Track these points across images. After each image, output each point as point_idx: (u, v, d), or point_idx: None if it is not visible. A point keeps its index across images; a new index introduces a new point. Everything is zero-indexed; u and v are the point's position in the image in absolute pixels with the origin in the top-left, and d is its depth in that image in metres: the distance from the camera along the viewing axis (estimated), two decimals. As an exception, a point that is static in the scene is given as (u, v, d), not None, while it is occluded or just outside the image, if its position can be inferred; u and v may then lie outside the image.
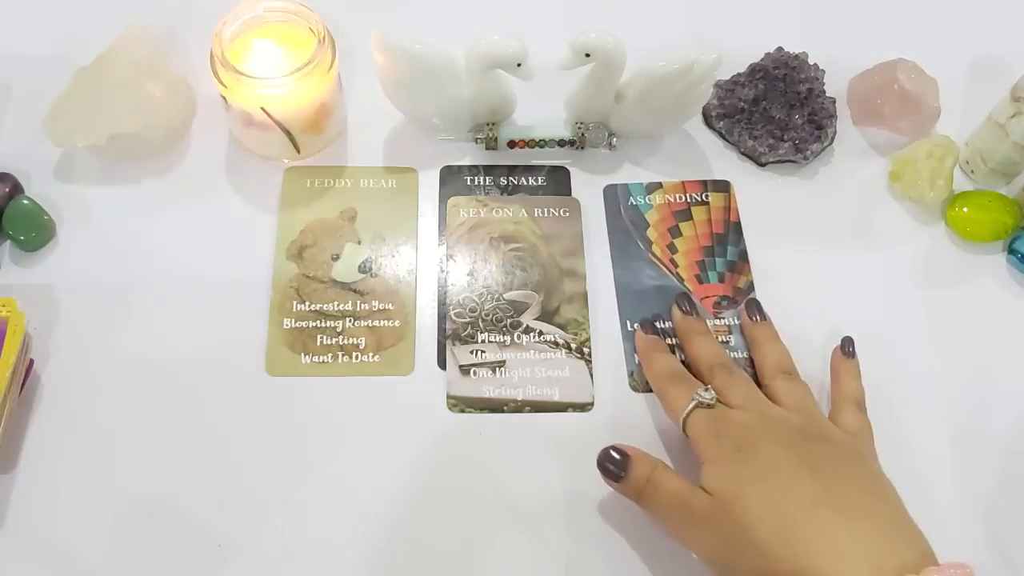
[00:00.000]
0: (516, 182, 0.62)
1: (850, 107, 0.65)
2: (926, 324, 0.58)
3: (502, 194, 0.61)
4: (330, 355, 0.55)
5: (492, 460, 0.53)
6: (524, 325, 0.57)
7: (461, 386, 0.54)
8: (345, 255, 0.59)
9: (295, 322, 0.56)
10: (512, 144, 0.62)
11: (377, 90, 0.59)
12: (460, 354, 0.55)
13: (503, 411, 0.54)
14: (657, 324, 0.56)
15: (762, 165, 0.63)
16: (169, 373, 0.54)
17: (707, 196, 0.62)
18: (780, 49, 0.65)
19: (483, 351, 0.55)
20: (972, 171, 0.63)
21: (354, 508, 0.51)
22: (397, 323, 0.56)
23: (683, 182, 0.62)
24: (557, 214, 0.60)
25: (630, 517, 0.51)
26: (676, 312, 0.56)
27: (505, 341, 0.56)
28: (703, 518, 0.45)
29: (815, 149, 0.62)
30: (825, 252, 0.60)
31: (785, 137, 0.62)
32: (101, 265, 0.57)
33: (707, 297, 0.58)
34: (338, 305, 0.57)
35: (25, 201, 0.58)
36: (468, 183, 0.62)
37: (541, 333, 0.56)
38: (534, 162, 0.63)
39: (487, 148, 0.62)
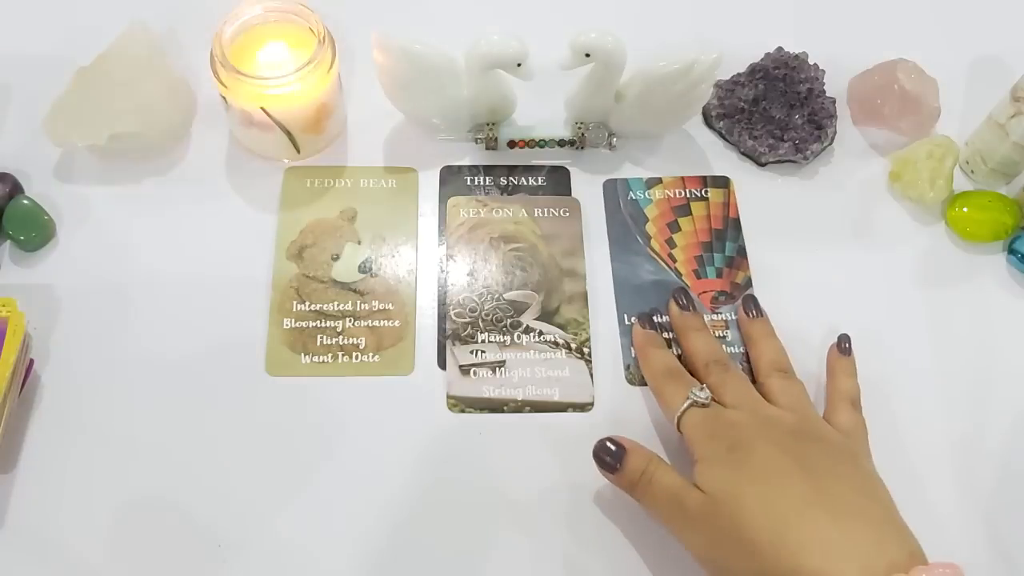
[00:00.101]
0: (516, 182, 0.62)
1: (850, 107, 0.65)
2: (926, 324, 0.58)
3: (502, 194, 0.61)
4: (330, 355, 0.55)
5: (492, 460, 0.53)
6: (524, 325, 0.57)
7: (461, 386, 0.54)
8: (345, 255, 0.59)
9: (295, 322, 0.56)
10: (512, 144, 0.62)
11: (377, 90, 0.59)
12: (460, 354, 0.55)
13: (503, 411, 0.54)
14: (655, 318, 0.56)
15: (762, 165, 0.63)
16: (169, 373, 0.54)
17: (706, 192, 0.62)
18: (780, 49, 0.65)
19: (483, 351, 0.55)
20: (972, 171, 0.63)
21: (354, 508, 0.51)
22: (397, 323, 0.56)
23: (683, 177, 0.62)
24: (557, 214, 0.61)
25: (630, 517, 0.51)
26: (673, 307, 0.56)
27: (505, 341, 0.56)
28: (696, 516, 0.46)
29: (815, 149, 0.62)
30: (825, 252, 0.60)
31: (785, 137, 0.62)
32: (101, 265, 0.57)
33: (705, 292, 0.58)
34: (338, 305, 0.57)
35: (25, 201, 0.58)
36: (468, 183, 0.62)
37: (541, 333, 0.56)
38: (534, 162, 0.63)
39: (487, 148, 0.62)
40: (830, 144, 0.63)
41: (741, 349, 0.56)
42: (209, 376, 0.54)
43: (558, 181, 0.62)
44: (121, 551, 0.49)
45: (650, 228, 0.60)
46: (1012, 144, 0.59)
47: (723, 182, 0.62)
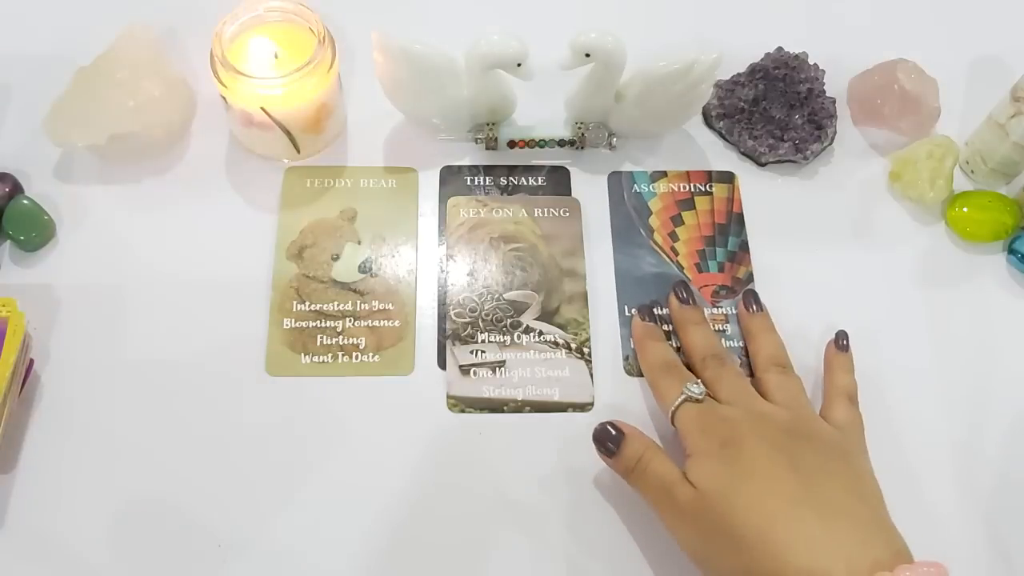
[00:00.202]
0: (516, 182, 0.62)
1: (850, 107, 0.65)
2: (926, 324, 0.58)
3: (502, 194, 0.61)
4: (330, 355, 0.55)
5: (492, 460, 0.53)
6: (524, 325, 0.57)
7: (461, 386, 0.54)
8: (345, 255, 0.59)
9: (295, 322, 0.56)
10: (512, 144, 0.62)
11: (377, 90, 0.59)
12: (460, 354, 0.55)
13: (503, 411, 0.54)
14: (655, 310, 0.56)
15: (762, 165, 0.63)
16: (169, 373, 0.54)
17: (711, 186, 0.62)
18: (780, 49, 0.65)
19: (483, 351, 0.55)
20: (972, 171, 0.63)
21: (354, 508, 0.51)
22: (397, 323, 0.56)
23: (687, 172, 0.62)
24: (557, 214, 0.61)
25: (630, 517, 0.51)
26: (673, 300, 0.56)
27: (505, 341, 0.56)
28: (685, 510, 0.46)
29: (815, 149, 0.62)
30: (825, 252, 0.60)
31: (785, 137, 0.62)
32: (101, 265, 0.57)
33: (706, 286, 0.58)
34: (338, 305, 0.57)
35: (25, 201, 0.58)
36: (468, 183, 0.62)
37: (541, 333, 0.56)
38: (534, 162, 0.63)
39: (487, 148, 0.62)
40: (830, 144, 0.63)
41: (740, 343, 0.56)
42: (209, 376, 0.54)
43: (558, 181, 0.62)
44: (121, 551, 0.49)
45: (653, 221, 0.60)
46: (1012, 144, 0.59)
47: (728, 177, 0.62)
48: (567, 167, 0.63)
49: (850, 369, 0.54)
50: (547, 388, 0.55)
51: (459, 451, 0.53)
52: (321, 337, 0.56)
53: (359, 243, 0.59)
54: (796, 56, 0.64)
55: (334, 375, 0.55)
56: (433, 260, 0.59)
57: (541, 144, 0.62)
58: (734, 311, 0.57)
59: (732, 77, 0.65)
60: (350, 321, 0.56)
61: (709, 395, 0.50)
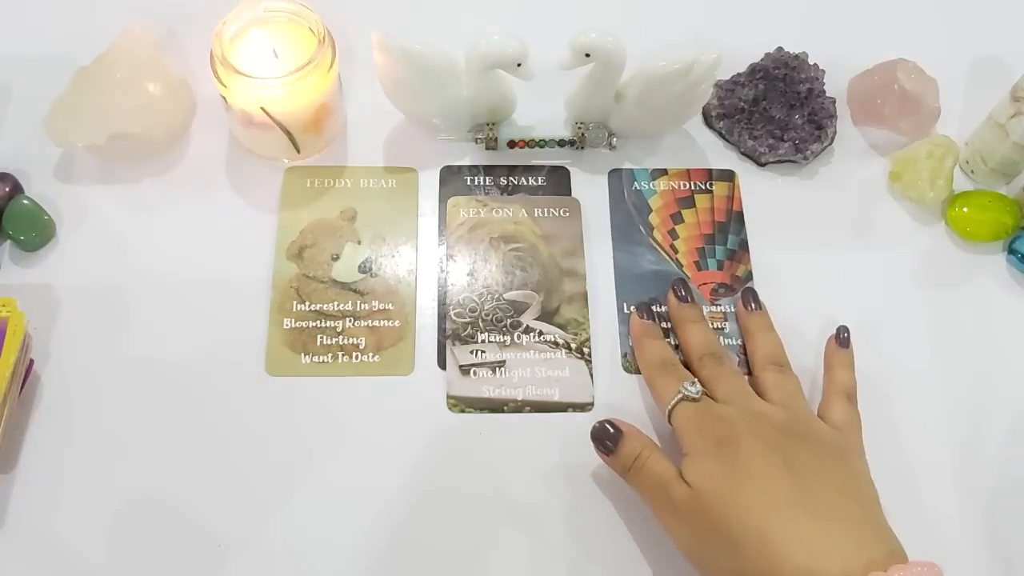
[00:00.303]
0: (516, 182, 0.62)
1: (850, 107, 0.65)
2: (926, 324, 0.58)
3: (502, 194, 0.61)
4: (330, 355, 0.55)
5: (492, 460, 0.53)
6: (524, 325, 0.57)
7: (461, 386, 0.54)
8: (345, 255, 0.59)
9: (295, 322, 0.56)
10: (512, 144, 0.62)
11: (377, 90, 0.59)
12: (460, 354, 0.55)
13: (503, 411, 0.54)
14: (653, 308, 0.56)
15: (762, 165, 0.63)
16: (169, 373, 0.54)
17: (711, 185, 0.62)
18: (780, 49, 0.65)
19: (483, 351, 0.55)
20: (972, 171, 0.63)
21: (354, 508, 0.51)
22: (397, 323, 0.56)
23: (688, 170, 0.62)
24: (557, 214, 0.61)
25: (630, 517, 0.51)
26: (672, 298, 0.56)
27: (505, 341, 0.56)
28: (681, 510, 0.46)
29: (815, 149, 0.62)
30: (825, 252, 0.60)
31: (785, 137, 0.62)
32: (101, 265, 0.57)
33: (705, 284, 0.58)
34: (338, 305, 0.57)
35: (25, 201, 0.58)
36: (468, 183, 0.62)
37: (541, 333, 0.56)
38: (534, 162, 0.63)
39: (487, 148, 0.62)
40: (830, 144, 0.63)
41: (739, 341, 0.56)
42: (209, 376, 0.54)
43: (558, 181, 0.62)
44: (121, 551, 0.49)
45: (653, 219, 0.61)
46: (1012, 144, 0.59)
47: (728, 175, 0.62)
48: (567, 167, 0.63)
49: (850, 365, 0.54)
50: (547, 388, 0.55)
51: (459, 451, 0.53)
52: (321, 337, 0.56)
53: (359, 243, 0.59)
54: (796, 56, 0.64)
55: (334, 375, 0.55)
56: (433, 260, 0.59)
57: (541, 144, 0.62)
58: (733, 309, 0.57)
59: (732, 77, 0.65)
60: (350, 321, 0.56)
61: (706, 394, 0.50)
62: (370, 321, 0.56)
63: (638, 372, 0.55)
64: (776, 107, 0.63)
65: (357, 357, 0.55)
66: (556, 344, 0.56)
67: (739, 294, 0.57)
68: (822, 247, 0.60)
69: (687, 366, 0.53)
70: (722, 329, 0.57)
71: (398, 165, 0.62)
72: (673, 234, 0.60)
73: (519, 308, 0.57)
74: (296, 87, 0.56)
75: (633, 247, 0.60)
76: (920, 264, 0.60)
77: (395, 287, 0.58)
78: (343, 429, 0.53)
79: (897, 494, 0.49)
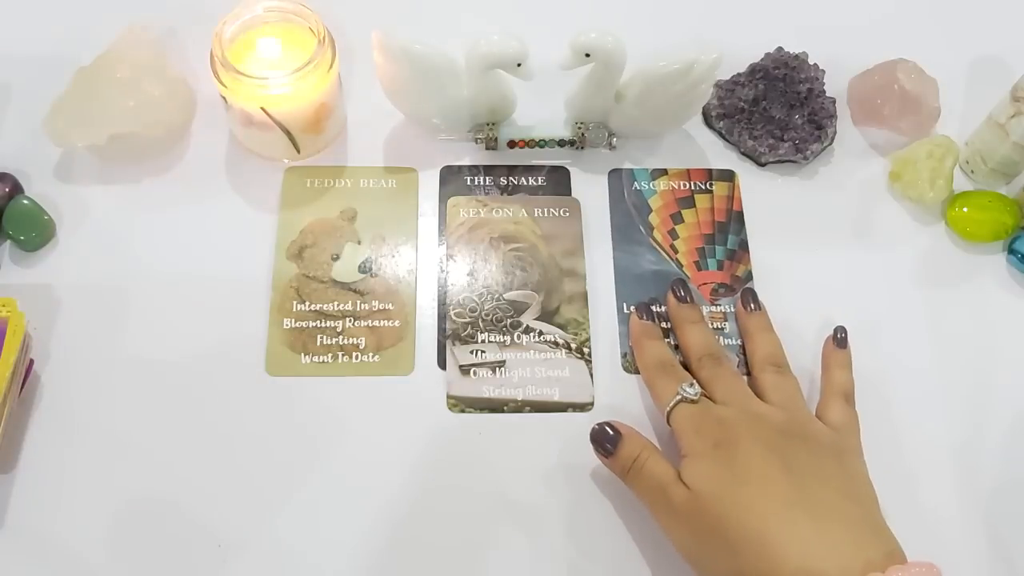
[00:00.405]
0: (516, 182, 0.62)
1: (850, 107, 0.65)
2: (926, 324, 0.58)
3: (502, 194, 0.61)
4: (330, 355, 0.55)
5: (492, 460, 0.53)
6: (524, 325, 0.57)
7: (461, 386, 0.54)
8: (345, 255, 0.59)
9: (295, 322, 0.56)
10: (512, 144, 0.62)
11: (377, 90, 0.59)
12: (460, 354, 0.55)
13: (503, 411, 0.54)
14: (653, 308, 0.56)
15: (762, 165, 0.63)
16: (169, 373, 0.54)
17: (711, 185, 0.62)
18: (780, 49, 0.65)
19: (483, 351, 0.55)
20: (972, 171, 0.63)
21: (354, 508, 0.51)
22: (397, 323, 0.56)
23: (688, 170, 0.62)
24: (557, 214, 0.61)
25: (630, 518, 0.51)
26: (671, 299, 0.56)
27: (505, 341, 0.56)
28: (679, 511, 0.46)
29: (815, 149, 0.62)
30: (825, 252, 0.60)
31: (785, 137, 0.62)
32: (101, 265, 0.57)
33: (705, 284, 0.58)
34: (338, 305, 0.57)
35: (25, 201, 0.58)
36: (468, 183, 0.62)
37: (541, 333, 0.56)
38: (534, 162, 0.63)
39: (487, 148, 0.62)
40: (830, 144, 0.63)
41: (738, 342, 0.56)
42: (209, 376, 0.54)
43: (558, 181, 0.62)
44: (121, 551, 0.49)
45: (653, 219, 0.61)
46: (1012, 144, 0.59)
47: (728, 175, 0.62)
48: (567, 167, 0.63)
49: (847, 366, 0.54)
50: (547, 388, 0.55)
51: (459, 451, 0.53)
52: (321, 337, 0.56)
53: (359, 243, 0.59)
54: (796, 56, 0.64)
55: (334, 375, 0.55)
56: (433, 260, 0.59)
57: (541, 144, 0.62)
58: (732, 309, 0.57)
59: (732, 77, 0.65)
60: (350, 321, 0.56)
61: (705, 395, 0.50)
62: (370, 321, 0.56)
63: (638, 372, 0.55)
64: (776, 107, 0.63)
65: (357, 357, 0.55)
66: (556, 344, 0.56)
67: (739, 294, 0.57)
68: (822, 247, 0.60)
69: (686, 367, 0.53)
70: (722, 329, 0.57)
71: (398, 165, 0.62)
72: (673, 234, 0.60)
73: (519, 308, 0.57)
74: (296, 87, 0.56)
75: (633, 247, 0.60)
76: (920, 264, 0.60)
77: (395, 287, 0.58)
78: (343, 429, 0.53)
79: (897, 494, 0.49)
